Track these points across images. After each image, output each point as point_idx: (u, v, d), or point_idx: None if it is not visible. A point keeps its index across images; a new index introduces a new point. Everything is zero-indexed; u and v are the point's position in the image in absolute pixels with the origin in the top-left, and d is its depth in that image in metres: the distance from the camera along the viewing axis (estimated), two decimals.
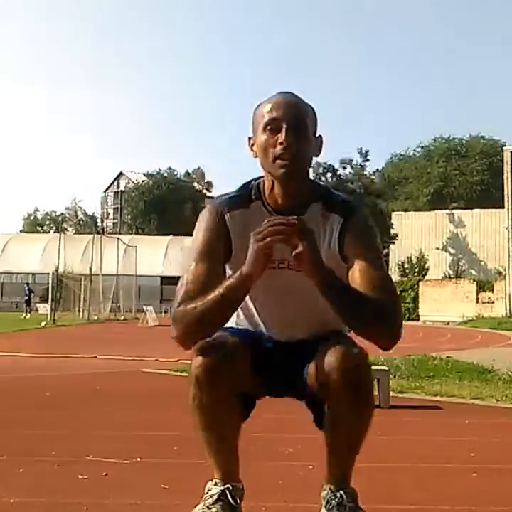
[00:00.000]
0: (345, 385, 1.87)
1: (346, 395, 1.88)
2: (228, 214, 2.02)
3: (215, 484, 2.04)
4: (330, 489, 2.03)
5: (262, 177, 2.06)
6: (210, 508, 1.99)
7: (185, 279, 1.96)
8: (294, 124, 1.94)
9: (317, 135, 2.03)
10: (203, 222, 2.05)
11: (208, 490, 2.04)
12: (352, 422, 1.93)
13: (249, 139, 2.04)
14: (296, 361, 2.05)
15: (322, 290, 1.86)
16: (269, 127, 1.95)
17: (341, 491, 2.01)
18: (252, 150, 2.03)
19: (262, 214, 1.99)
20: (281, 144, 1.93)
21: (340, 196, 2.07)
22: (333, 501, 2.01)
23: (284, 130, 1.93)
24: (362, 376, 1.90)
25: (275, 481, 2.78)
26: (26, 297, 34.02)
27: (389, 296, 1.92)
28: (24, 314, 30.77)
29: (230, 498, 2.00)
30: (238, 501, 2.02)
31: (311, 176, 2.10)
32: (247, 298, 2.01)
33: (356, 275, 1.94)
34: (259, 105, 2.03)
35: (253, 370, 2.03)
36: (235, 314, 2.06)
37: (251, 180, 2.09)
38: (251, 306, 2.11)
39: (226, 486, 2.02)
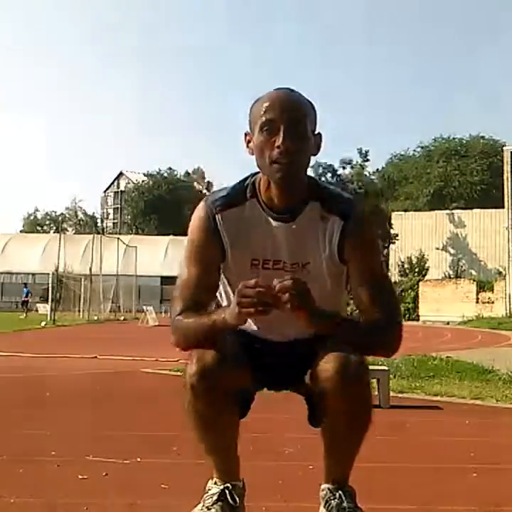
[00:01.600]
0: (344, 396, 1.85)
1: (345, 405, 1.86)
2: (219, 215, 1.97)
3: (215, 483, 2.03)
4: (329, 489, 2.02)
5: (259, 172, 1.99)
6: (209, 509, 1.98)
7: (179, 284, 2.00)
8: (291, 126, 1.88)
9: (316, 132, 1.97)
10: (194, 225, 2.02)
11: (208, 489, 2.03)
12: (351, 430, 1.92)
13: (246, 135, 1.99)
14: (295, 358, 2.03)
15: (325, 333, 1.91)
16: (265, 128, 1.89)
17: (340, 491, 2.00)
18: (248, 147, 1.98)
19: (257, 212, 1.97)
20: (278, 147, 1.87)
21: (337, 194, 2.02)
22: (332, 501, 2.00)
23: (281, 133, 1.87)
24: (361, 387, 1.88)
25: (275, 481, 2.78)
26: (25, 298, 34.03)
27: (390, 315, 1.96)
28: (23, 314, 30.76)
29: (229, 498, 1.99)
30: (238, 501, 2.00)
31: (311, 174, 2.05)
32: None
33: (358, 287, 1.98)
34: (256, 102, 1.96)
35: (252, 368, 2.01)
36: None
37: (248, 176, 2.04)
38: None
39: (226, 485, 2.01)
